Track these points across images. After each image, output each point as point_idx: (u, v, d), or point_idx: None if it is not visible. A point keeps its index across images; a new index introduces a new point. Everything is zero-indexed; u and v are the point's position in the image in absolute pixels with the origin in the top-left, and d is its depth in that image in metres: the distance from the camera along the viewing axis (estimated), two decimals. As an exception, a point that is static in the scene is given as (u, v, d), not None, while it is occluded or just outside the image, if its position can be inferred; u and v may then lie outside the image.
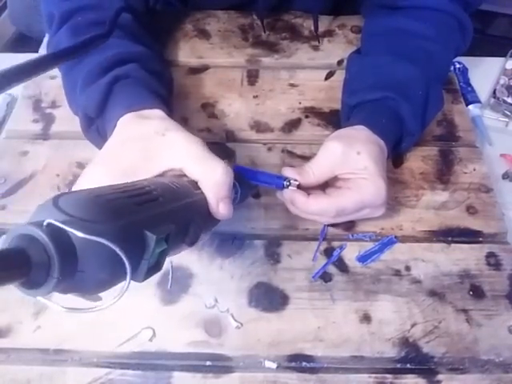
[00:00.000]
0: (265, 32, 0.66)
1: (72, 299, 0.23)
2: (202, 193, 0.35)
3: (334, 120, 0.57)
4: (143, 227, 0.25)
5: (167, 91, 0.49)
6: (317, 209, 0.44)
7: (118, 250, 0.21)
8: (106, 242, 0.21)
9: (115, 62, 0.46)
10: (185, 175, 0.35)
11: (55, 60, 0.35)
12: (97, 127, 0.46)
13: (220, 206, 0.35)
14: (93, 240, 0.21)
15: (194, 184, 0.35)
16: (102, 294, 0.25)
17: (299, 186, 0.44)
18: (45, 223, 0.21)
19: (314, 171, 0.44)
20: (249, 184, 0.44)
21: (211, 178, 0.35)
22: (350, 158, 0.44)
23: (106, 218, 0.23)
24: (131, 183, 0.29)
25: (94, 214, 0.23)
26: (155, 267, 0.27)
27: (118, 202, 0.25)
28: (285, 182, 0.44)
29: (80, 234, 0.21)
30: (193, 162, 0.35)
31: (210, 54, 0.64)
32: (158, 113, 0.42)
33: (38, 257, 0.20)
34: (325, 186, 0.47)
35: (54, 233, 0.21)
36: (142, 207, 0.26)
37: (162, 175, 0.35)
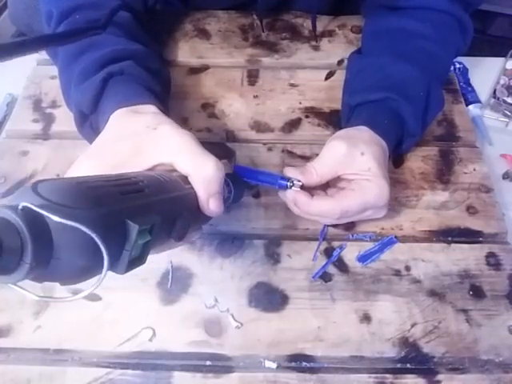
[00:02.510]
0: (263, 32, 0.66)
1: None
2: (192, 188, 0.34)
3: (334, 120, 0.57)
4: (125, 217, 0.24)
5: (163, 89, 0.49)
6: (320, 210, 0.43)
7: (94, 236, 0.21)
8: (83, 228, 0.20)
9: (110, 59, 0.46)
10: (175, 170, 0.35)
11: (43, 43, 0.35)
12: (90, 123, 0.46)
13: (210, 202, 0.34)
14: (70, 226, 0.20)
15: (185, 179, 0.34)
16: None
17: (302, 186, 0.44)
18: (20, 206, 0.20)
19: (317, 171, 0.44)
20: (243, 184, 0.44)
21: (202, 173, 0.34)
22: (354, 159, 0.44)
23: (85, 205, 0.22)
24: (116, 174, 0.29)
25: (73, 199, 0.22)
26: (138, 260, 0.26)
27: (101, 190, 0.24)
28: (288, 183, 0.44)
29: (56, 219, 0.20)
30: (183, 156, 0.35)
31: (210, 53, 0.64)
32: (151, 108, 0.41)
33: (11, 241, 0.19)
34: (326, 185, 0.47)
35: (30, 217, 0.20)
36: (126, 197, 0.26)
37: (152, 169, 0.35)
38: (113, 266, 0.23)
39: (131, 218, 0.24)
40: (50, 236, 0.21)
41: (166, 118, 0.39)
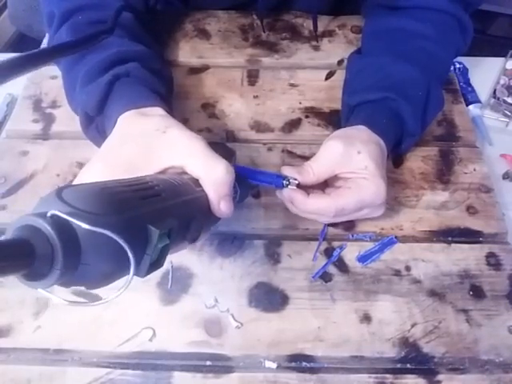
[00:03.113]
0: (264, 32, 0.66)
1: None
2: (203, 190, 0.34)
3: (334, 120, 0.57)
4: (146, 221, 0.25)
5: (167, 90, 0.49)
6: (316, 208, 0.44)
7: (122, 243, 0.21)
8: (111, 234, 0.21)
9: (115, 61, 0.46)
10: (186, 173, 0.35)
11: (57, 53, 0.35)
12: (96, 125, 0.46)
13: (221, 204, 0.35)
14: (97, 232, 0.21)
15: (195, 181, 0.35)
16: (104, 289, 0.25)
17: (299, 185, 0.44)
18: (49, 214, 0.21)
19: (314, 170, 0.44)
20: (248, 184, 0.44)
21: (212, 176, 0.34)
22: (351, 158, 0.44)
23: (109, 211, 0.23)
24: (134, 178, 0.29)
25: (98, 206, 0.23)
26: (157, 263, 0.26)
27: (122, 196, 0.25)
28: (284, 182, 0.44)
29: (85, 226, 0.21)
30: (194, 159, 0.35)
31: (210, 53, 0.64)
32: (158, 110, 0.42)
33: (42, 248, 0.20)
34: (324, 185, 0.47)
35: (58, 224, 0.20)
36: (146, 202, 0.26)
37: (162, 172, 0.35)
38: (135, 273, 0.24)
39: (151, 222, 0.25)
40: (78, 242, 0.21)
41: (174, 121, 0.39)
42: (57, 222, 0.21)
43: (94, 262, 0.22)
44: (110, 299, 0.23)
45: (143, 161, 0.35)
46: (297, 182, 0.44)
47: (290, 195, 0.44)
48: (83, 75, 0.46)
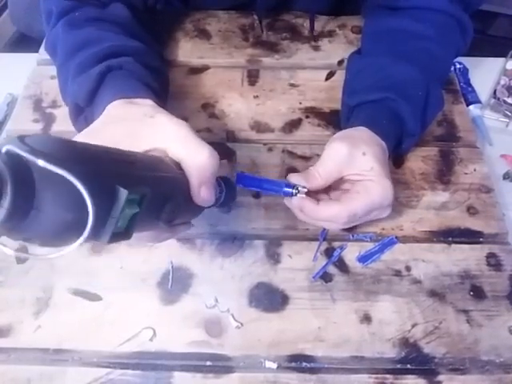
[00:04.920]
0: (263, 32, 0.66)
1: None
2: (185, 175, 0.34)
3: (334, 120, 0.57)
4: (115, 182, 0.22)
5: (161, 86, 0.49)
6: (328, 216, 0.43)
7: (80, 187, 0.19)
8: (69, 176, 0.19)
9: (109, 54, 0.46)
10: (169, 156, 0.35)
11: None
12: (85, 117, 0.46)
13: (202, 190, 0.34)
14: (54, 174, 0.19)
15: (177, 165, 0.34)
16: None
17: (307, 192, 0.43)
18: (3, 150, 0.19)
19: (321, 174, 0.43)
20: (235, 189, 0.43)
21: (195, 160, 0.34)
22: (357, 159, 0.43)
23: (74, 158, 0.21)
24: (107, 146, 0.27)
25: (62, 153, 0.21)
26: (124, 233, 0.24)
27: (92, 151, 0.23)
28: (293, 190, 0.43)
29: (41, 163, 0.19)
30: (178, 142, 0.35)
31: (210, 54, 0.64)
32: (148, 101, 0.41)
33: None
34: (328, 188, 0.46)
35: (12, 160, 0.19)
36: (118, 163, 0.24)
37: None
38: (96, 234, 0.22)
39: (121, 184, 0.23)
40: (32, 183, 0.19)
41: (164, 110, 0.39)
42: (11, 157, 0.19)
43: (47, 209, 0.20)
44: (59, 254, 0.20)
45: (126, 139, 0.35)
46: (305, 189, 0.43)
47: (300, 204, 0.43)
48: (75, 67, 0.45)
